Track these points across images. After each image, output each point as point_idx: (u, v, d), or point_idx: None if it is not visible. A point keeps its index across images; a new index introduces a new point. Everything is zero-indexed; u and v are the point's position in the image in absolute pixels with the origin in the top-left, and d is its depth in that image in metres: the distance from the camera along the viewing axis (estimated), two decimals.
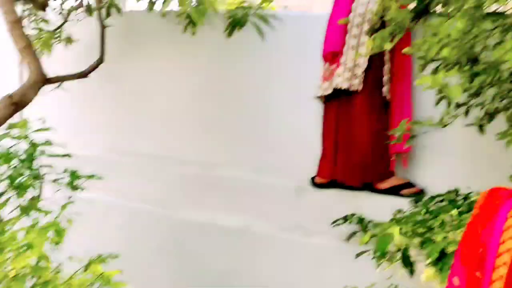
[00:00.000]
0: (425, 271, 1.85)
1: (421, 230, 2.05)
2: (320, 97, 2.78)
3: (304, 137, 2.97)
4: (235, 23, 2.11)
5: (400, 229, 1.99)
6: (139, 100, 3.46)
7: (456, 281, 1.34)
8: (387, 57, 2.61)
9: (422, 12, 1.54)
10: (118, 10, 3.06)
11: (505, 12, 1.74)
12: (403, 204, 2.58)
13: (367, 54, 2.42)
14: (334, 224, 2.64)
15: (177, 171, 3.23)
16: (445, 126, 1.70)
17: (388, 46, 1.59)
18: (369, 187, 2.72)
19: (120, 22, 3.24)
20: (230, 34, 2.21)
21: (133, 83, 3.46)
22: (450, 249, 1.78)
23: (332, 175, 2.77)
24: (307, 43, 2.95)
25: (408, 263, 1.96)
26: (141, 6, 2.94)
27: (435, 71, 1.99)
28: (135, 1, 3.08)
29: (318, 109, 2.82)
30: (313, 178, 2.87)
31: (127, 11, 3.39)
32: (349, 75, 2.60)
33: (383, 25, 2.50)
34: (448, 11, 1.53)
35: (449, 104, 1.71)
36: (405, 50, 1.81)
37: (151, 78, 3.41)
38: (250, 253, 2.99)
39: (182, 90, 3.31)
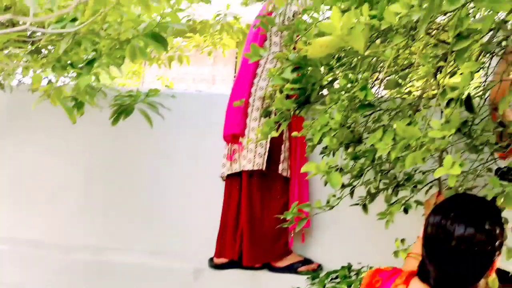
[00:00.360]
0: None
1: None
2: (221, 176, 2.79)
3: (201, 216, 2.92)
4: (121, 111, 2.02)
5: None
6: (19, 181, 3.17)
7: None
8: (285, 135, 2.71)
9: (304, 102, 1.63)
10: (1, 86, 2.87)
11: (380, 98, 1.90)
12: (301, 281, 2.59)
13: (258, 140, 2.47)
14: None
15: (61, 258, 2.94)
16: (332, 208, 1.76)
17: (274, 134, 1.65)
18: (268, 265, 2.71)
19: (4, 99, 3.03)
20: (115, 122, 2.10)
21: (13, 163, 3.19)
22: None
23: (231, 255, 2.71)
24: (205, 121, 2.98)
25: None
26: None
27: (324, 151, 2.09)
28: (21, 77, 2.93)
29: (216, 188, 2.81)
30: (211, 259, 2.79)
31: (11, 86, 3.18)
32: (252, 156, 2.64)
33: None
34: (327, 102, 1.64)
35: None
36: (294, 134, 1.89)
37: (34, 158, 3.16)
38: None
39: (69, 170, 3.11)
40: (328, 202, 1.76)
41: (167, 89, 2.99)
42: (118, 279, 2.86)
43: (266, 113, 2.59)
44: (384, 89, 1.54)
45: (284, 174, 2.70)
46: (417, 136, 1.21)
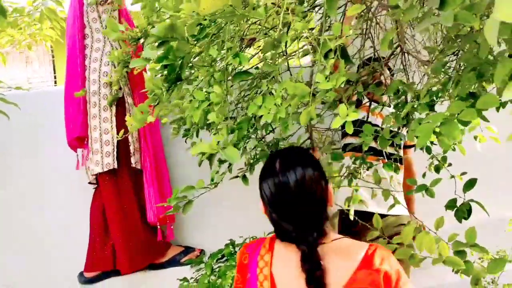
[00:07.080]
0: None
1: None
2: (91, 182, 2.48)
3: (64, 230, 2.57)
4: None
5: None
6: None
7: None
8: None
9: (176, 80, 1.51)
10: None
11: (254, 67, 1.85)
12: (187, 271, 2.48)
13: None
14: None
15: None
16: (216, 185, 1.70)
17: (151, 118, 1.49)
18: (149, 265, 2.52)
19: None
20: None
21: None
22: None
23: (104, 267, 2.44)
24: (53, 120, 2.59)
25: None
26: None
27: (186, 133, 1.99)
28: None
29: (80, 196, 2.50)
30: (81, 274, 2.48)
31: None
32: (99, 157, 2.36)
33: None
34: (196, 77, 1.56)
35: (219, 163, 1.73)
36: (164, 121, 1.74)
37: None
38: None
39: None
40: (212, 180, 1.69)
41: None
42: None
43: (113, 101, 2.36)
44: (262, 52, 1.51)
45: (138, 166, 2.47)
46: (308, 91, 1.21)
